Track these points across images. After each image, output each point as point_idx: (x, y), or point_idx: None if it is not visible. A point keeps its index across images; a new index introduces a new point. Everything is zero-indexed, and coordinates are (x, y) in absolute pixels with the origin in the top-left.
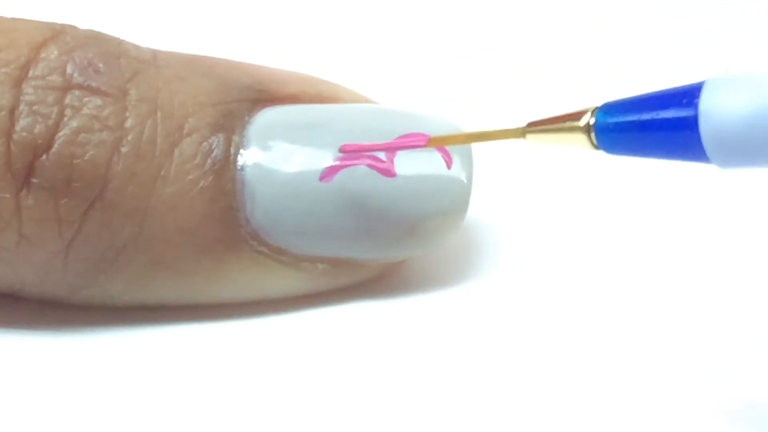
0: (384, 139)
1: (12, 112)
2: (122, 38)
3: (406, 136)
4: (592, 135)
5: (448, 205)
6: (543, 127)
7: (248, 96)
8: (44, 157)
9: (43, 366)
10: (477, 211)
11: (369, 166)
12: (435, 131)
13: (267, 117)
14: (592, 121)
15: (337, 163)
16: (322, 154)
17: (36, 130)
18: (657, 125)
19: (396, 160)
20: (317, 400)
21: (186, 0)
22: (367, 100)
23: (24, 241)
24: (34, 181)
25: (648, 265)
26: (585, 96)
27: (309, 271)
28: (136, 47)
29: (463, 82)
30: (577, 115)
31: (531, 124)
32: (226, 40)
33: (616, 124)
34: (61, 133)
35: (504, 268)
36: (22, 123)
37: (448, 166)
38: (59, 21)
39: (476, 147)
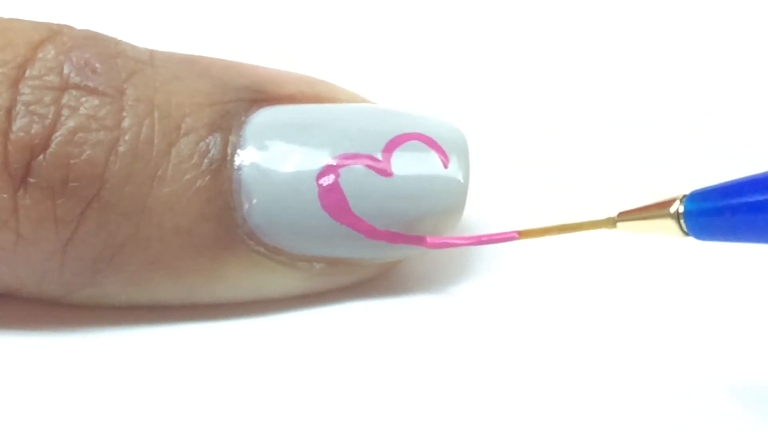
0: (381, 138)
1: (9, 112)
2: (119, 38)
3: (403, 135)
4: (682, 222)
5: (445, 205)
6: (634, 215)
7: (245, 96)
8: (41, 156)
9: (40, 366)
10: (474, 210)
11: (366, 166)
12: (431, 131)
13: (264, 117)
14: (681, 208)
15: (335, 162)
16: (319, 154)
17: (33, 130)
18: (748, 209)
19: (393, 160)
20: (315, 401)
21: (185, 0)
22: (364, 100)
23: (21, 241)
24: (32, 180)
25: (648, 263)
26: (588, 103)
27: (306, 270)
28: (133, 47)
29: (461, 82)
30: (667, 204)
31: (622, 214)
32: (224, 40)
33: (707, 209)
34: (58, 133)
35: (501, 268)
36: (19, 123)
37: (445, 166)
38: (56, 21)
39: (474, 148)
